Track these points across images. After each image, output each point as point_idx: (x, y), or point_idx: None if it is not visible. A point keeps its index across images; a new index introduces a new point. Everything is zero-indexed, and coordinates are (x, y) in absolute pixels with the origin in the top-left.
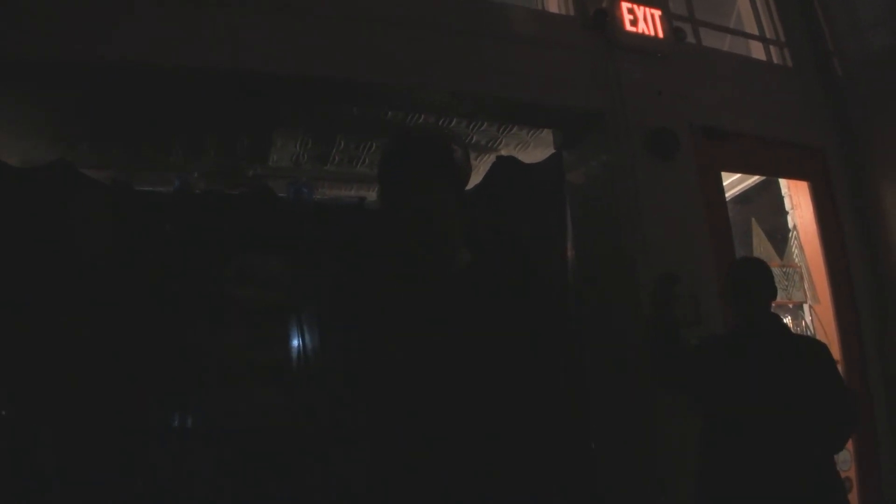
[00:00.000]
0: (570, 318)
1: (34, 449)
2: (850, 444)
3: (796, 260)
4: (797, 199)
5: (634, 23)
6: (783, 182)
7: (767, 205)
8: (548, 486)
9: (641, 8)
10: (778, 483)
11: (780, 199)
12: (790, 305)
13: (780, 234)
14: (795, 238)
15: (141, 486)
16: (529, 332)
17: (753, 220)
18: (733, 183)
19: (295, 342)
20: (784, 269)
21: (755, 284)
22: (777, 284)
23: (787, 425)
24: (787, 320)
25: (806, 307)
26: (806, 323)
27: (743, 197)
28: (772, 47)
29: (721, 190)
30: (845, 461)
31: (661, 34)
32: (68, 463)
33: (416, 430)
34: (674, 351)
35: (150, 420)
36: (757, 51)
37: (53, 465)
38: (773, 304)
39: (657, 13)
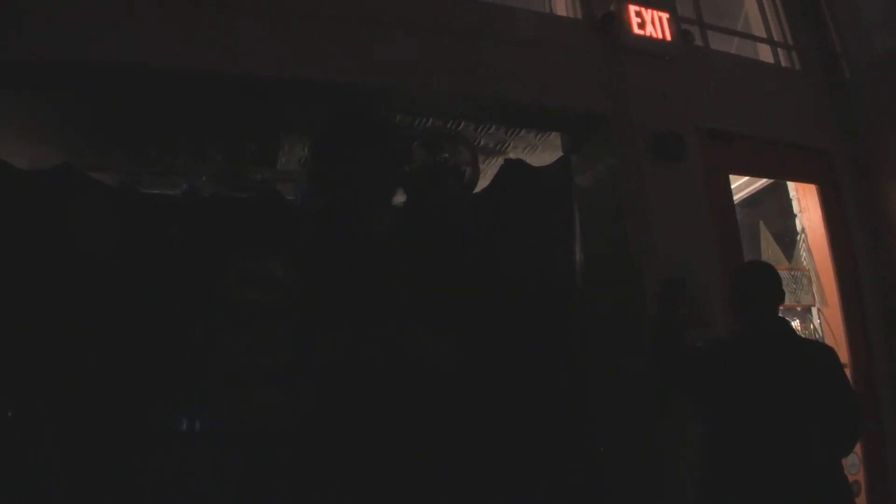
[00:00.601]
0: (575, 320)
1: (35, 449)
2: (858, 448)
3: (805, 263)
4: (805, 202)
5: (642, 26)
6: (791, 185)
7: (776, 208)
8: (548, 487)
9: (649, 11)
10: (780, 485)
11: (789, 202)
12: (798, 309)
13: (788, 237)
14: (804, 241)
15: (142, 486)
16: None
17: (762, 223)
18: (741, 186)
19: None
20: (792, 273)
21: (761, 288)
22: (785, 288)
23: (790, 428)
24: (796, 324)
25: (814, 310)
26: (814, 326)
27: (751, 200)
28: (779, 50)
29: (729, 192)
30: (854, 465)
31: (668, 37)
32: (69, 463)
33: (417, 430)
34: (677, 353)
35: (151, 421)
36: (764, 53)
37: (54, 466)
38: (782, 308)
39: (665, 16)
